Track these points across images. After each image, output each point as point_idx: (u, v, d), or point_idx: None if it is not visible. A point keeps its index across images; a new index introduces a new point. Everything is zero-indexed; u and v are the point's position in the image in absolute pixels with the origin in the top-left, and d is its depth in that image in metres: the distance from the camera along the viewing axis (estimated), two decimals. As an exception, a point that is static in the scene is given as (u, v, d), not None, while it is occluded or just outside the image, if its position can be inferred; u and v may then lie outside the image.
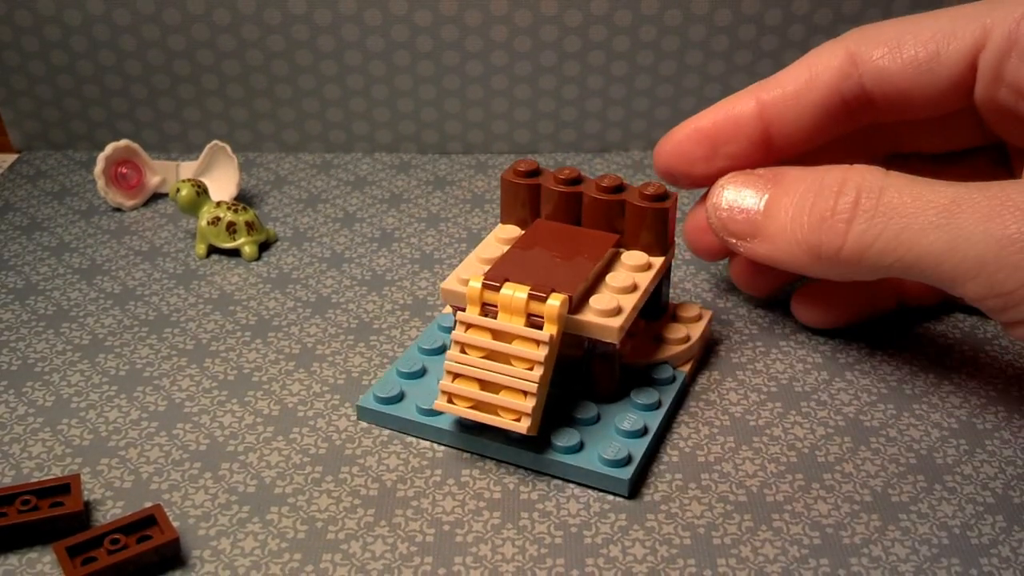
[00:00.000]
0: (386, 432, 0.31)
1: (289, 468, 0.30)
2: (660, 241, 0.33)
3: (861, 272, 0.29)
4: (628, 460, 0.29)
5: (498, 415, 0.29)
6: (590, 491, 0.29)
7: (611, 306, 0.30)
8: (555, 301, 0.29)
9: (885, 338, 0.36)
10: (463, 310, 0.30)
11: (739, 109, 0.33)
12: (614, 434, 0.30)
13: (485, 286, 0.30)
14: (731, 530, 0.28)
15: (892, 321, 0.37)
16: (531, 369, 0.29)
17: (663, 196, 0.33)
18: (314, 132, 0.50)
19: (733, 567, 0.27)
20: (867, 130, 0.35)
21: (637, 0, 0.47)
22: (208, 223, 0.41)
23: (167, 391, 0.33)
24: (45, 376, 0.34)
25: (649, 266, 0.32)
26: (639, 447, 0.30)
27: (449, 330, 0.34)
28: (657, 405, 0.31)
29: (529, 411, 0.28)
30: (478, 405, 0.29)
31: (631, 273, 0.32)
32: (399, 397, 0.32)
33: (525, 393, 0.29)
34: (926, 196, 0.28)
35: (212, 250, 0.42)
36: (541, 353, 0.29)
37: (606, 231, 0.33)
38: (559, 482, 0.29)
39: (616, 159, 0.50)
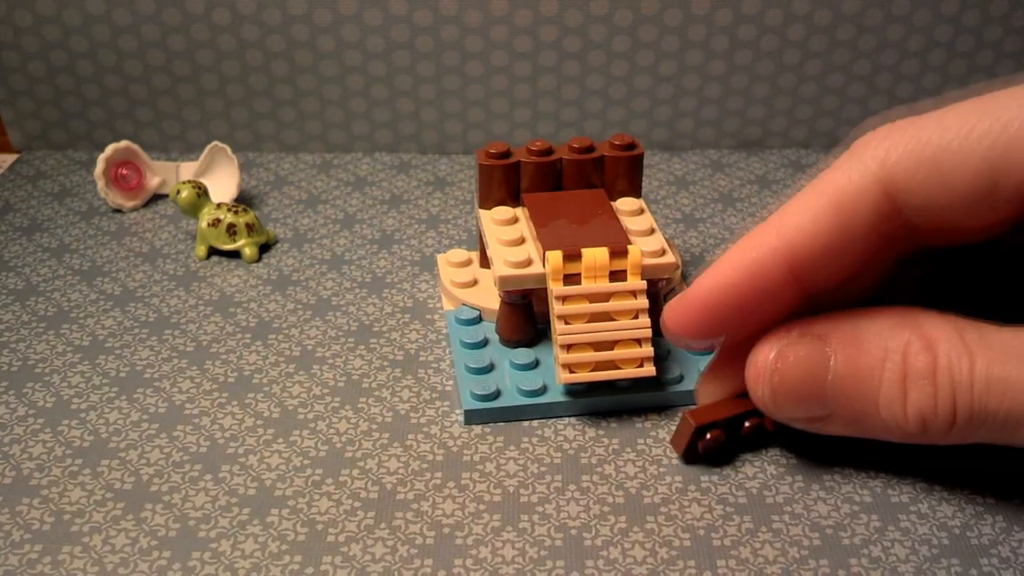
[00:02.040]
0: (386, 435, 0.31)
1: (289, 471, 0.30)
2: (635, 186, 0.36)
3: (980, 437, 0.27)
4: None
5: (621, 368, 0.31)
6: (590, 494, 0.29)
7: (657, 247, 0.33)
8: (635, 253, 0.32)
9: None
10: (525, 294, 0.33)
11: (763, 268, 0.28)
12: (691, 356, 0.34)
13: (566, 257, 0.32)
14: (731, 532, 0.28)
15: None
16: (636, 318, 0.31)
17: (632, 145, 0.36)
18: (314, 132, 0.50)
19: (733, 568, 0.27)
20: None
21: (637, 0, 0.47)
22: (208, 225, 0.41)
23: (167, 393, 0.33)
24: (45, 377, 0.34)
25: (642, 209, 0.35)
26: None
27: (467, 323, 0.36)
28: None
29: (650, 356, 0.31)
30: (598, 366, 0.31)
31: (635, 217, 0.35)
32: (497, 392, 0.32)
33: (639, 341, 0.31)
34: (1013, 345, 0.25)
35: (212, 252, 0.42)
36: (641, 302, 0.31)
37: (587, 188, 0.36)
38: (559, 484, 0.29)
39: (616, 159, 0.50)
